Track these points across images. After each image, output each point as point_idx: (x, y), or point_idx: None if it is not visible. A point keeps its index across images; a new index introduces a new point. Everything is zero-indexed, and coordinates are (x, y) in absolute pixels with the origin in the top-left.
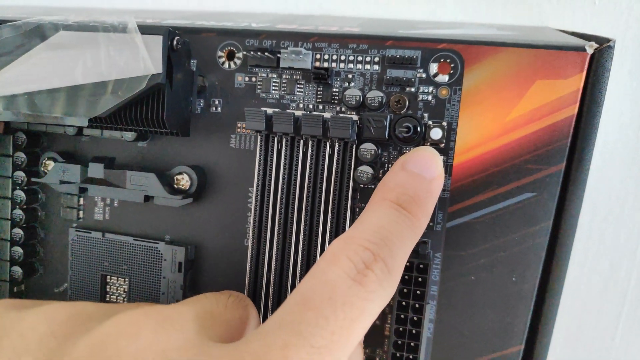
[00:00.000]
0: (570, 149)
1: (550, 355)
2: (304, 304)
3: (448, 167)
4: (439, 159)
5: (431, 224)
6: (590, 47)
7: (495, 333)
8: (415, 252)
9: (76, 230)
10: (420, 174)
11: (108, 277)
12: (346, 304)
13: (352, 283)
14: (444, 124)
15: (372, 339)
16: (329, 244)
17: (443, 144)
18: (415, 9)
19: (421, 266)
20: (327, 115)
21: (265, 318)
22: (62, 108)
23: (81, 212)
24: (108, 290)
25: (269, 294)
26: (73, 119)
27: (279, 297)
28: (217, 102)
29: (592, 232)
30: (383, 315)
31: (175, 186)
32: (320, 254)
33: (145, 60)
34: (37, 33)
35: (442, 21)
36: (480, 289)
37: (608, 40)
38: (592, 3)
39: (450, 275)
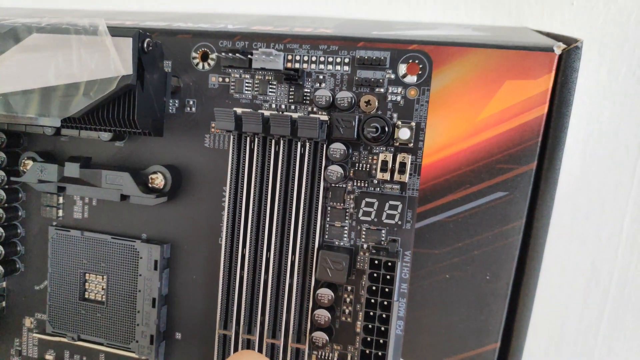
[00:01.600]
0: (540, 148)
1: (535, 355)
2: None
3: (417, 167)
4: None
5: (400, 222)
6: (558, 48)
7: (470, 331)
8: (385, 250)
9: (56, 229)
10: None
11: (87, 274)
12: None
13: None
14: (413, 124)
15: (344, 336)
16: (301, 242)
17: (412, 144)
18: (394, 9)
19: (389, 264)
20: (296, 115)
21: (238, 318)
22: (36, 109)
23: (60, 211)
24: (87, 287)
25: (242, 291)
26: (46, 119)
27: (252, 296)
28: (191, 103)
29: (573, 232)
30: (354, 313)
31: (149, 185)
32: (292, 252)
33: (115, 62)
34: (10, 35)
35: (420, 22)
36: (454, 287)
37: (576, 40)
38: (569, 3)
39: (424, 274)
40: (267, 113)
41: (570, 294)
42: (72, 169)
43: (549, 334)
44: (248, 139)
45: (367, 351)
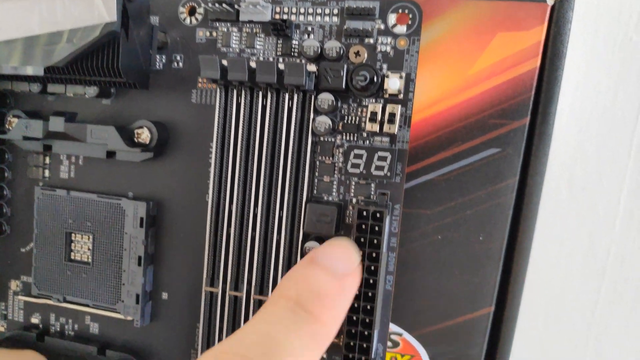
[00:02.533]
0: (534, 102)
1: (531, 331)
2: None
3: (406, 119)
4: (355, 253)
5: (389, 174)
6: None
7: (463, 295)
8: (374, 204)
9: (41, 189)
10: (330, 267)
11: (73, 234)
12: None
13: None
14: (402, 74)
15: None
16: (289, 197)
17: (401, 95)
18: None
19: (377, 215)
20: (282, 66)
21: (225, 275)
22: (19, 58)
23: (47, 171)
24: (73, 248)
25: (229, 248)
26: (30, 68)
27: (239, 253)
28: (178, 58)
29: (570, 204)
30: None
31: (135, 140)
32: (280, 208)
33: (99, 8)
34: None
35: None
36: (447, 248)
37: None
38: None
39: (416, 235)
40: (253, 65)
41: (566, 268)
42: (57, 123)
43: (544, 310)
44: (235, 91)
45: (356, 304)
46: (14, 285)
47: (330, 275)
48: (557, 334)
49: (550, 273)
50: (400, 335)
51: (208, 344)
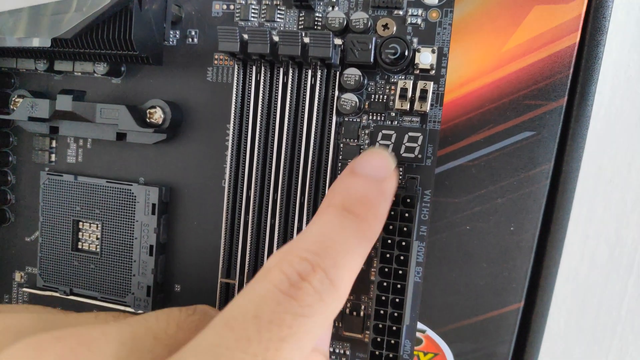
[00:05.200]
0: (572, 82)
1: (554, 330)
2: (226, 324)
3: (439, 97)
4: (390, 159)
5: (420, 156)
6: None
7: (492, 289)
8: (403, 189)
9: (48, 174)
10: (369, 175)
11: (80, 223)
12: (273, 321)
13: (283, 298)
14: (435, 48)
15: (356, 285)
16: (310, 182)
17: (433, 71)
18: None
19: (408, 200)
20: (307, 39)
21: (242, 266)
22: (25, 29)
23: (53, 155)
24: (80, 237)
25: (247, 237)
26: (36, 40)
27: (257, 241)
28: (193, 33)
29: (597, 197)
30: (369, 260)
31: (147, 120)
32: (301, 195)
33: None
34: None
35: None
36: (475, 240)
37: None
38: None
39: (443, 225)
40: (275, 38)
41: (592, 263)
42: (64, 102)
43: (569, 306)
44: (254, 67)
45: (384, 297)
46: (19, 276)
47: (369, 181)
48: (582, 331)
49: (575, 267)
50: (423, 332)
51: None
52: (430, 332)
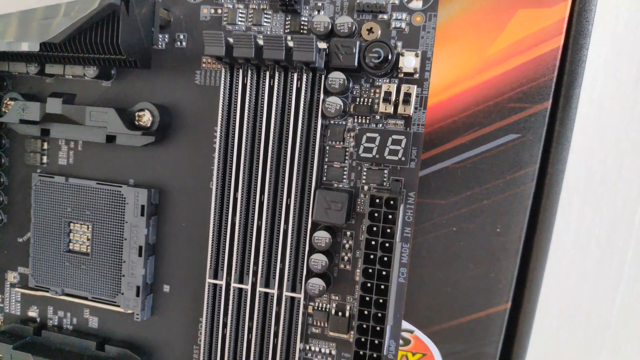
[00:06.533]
0: (556, 84)
1: (548, 326)
2: None
3: (423, 100)
4: None
5: (404, 159)
6: None
7: (479, 290)
8: (387, 191)
9: (39, 175)
10: None
11: (71, 224)
12: None
13: None
14: (418, 52)
15: (342, 285)
16: (297, 184)
17: (417, 75)
18: None
19: (391, 202)
20: (291, 43)
21: (230, 267)
22: (14, 33)
23: (45, 157)
24: (71, 238)
25: (234, 238)
26: (25, 44)
27: (244, 243)
28: (181, 37)
29: (588, 198)
30: (354, 260)
31: (136, 122)
32: (288, 195)
33: None
34: None
35: None
36: (462, 241)
37: None
38: None
39: (429, 226)
40: (260, 42)
41: (584, 263)
42: (54, 105)
43: (560, 307)
44: (241, 71)
45: (367, 297)
46: (11, 277)
47: None
48: (572, 332)
49: (565, 268)
50: (411, 332)
51: (211, 339)
52: (418, 333)
